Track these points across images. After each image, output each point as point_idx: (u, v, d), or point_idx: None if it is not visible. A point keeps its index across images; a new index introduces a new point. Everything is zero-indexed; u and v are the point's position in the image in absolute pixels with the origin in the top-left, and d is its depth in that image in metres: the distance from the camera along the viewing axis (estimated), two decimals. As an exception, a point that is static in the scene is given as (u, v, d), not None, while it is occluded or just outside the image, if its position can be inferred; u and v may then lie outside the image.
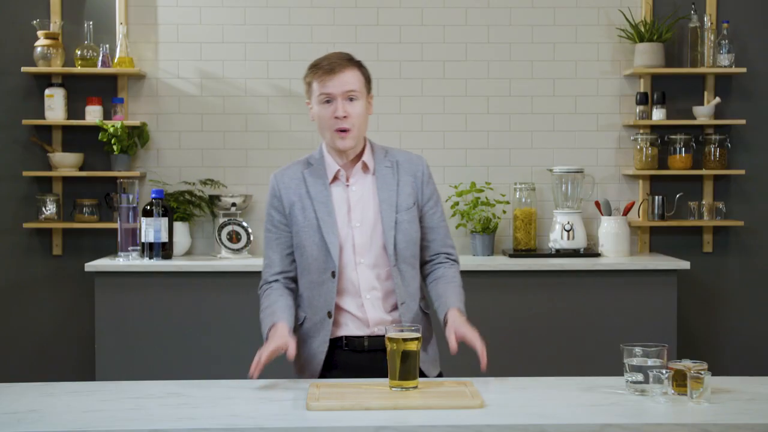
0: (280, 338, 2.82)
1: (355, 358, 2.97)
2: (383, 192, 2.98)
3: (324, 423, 2.34)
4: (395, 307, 2.99)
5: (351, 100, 2.92)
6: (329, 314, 2.96)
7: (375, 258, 2.97)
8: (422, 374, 2.94)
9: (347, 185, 3.00)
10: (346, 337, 2.98)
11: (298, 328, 3.03)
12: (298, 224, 2.98)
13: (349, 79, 2.91)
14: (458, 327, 2.87)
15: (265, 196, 5.21)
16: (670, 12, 5.26)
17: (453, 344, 2.83)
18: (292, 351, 2.80)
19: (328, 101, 2.91)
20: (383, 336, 2.73)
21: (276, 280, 3.02)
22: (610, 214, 5.17)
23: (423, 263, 3.09)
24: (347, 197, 2.99)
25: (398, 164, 3.03)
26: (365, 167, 3.00)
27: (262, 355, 2.77)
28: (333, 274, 2.94)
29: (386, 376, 2.67)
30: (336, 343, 2.98)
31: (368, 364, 2.93)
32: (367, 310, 2.96)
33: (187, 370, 4.67)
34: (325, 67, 2.91)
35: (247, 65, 5.26)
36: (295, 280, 3.04)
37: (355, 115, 2.92)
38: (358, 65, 2.98)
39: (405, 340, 2.63)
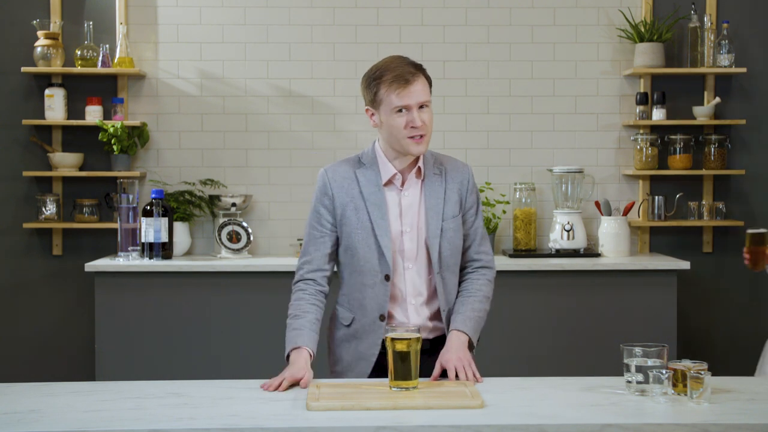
0: (298, 370, 2.77)
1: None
2: (431, 199, 2.98)
3: (324, 423, 2.34)
4: (437, 314, 2.99)
5: (422, 107, 2.91)
6: (381, 317, 2.95)
7: (421, 264, 2.97)
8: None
9: (401, 189, 2.99)
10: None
11: (344, 329, 3.01)
12: (351, 225, 2.96)
13: (421, 89, 2.91)
14: (444, 353, 2.86)
15: (265, 196, 5.28)
16: (670, 12, 5.26)
17: (434, 373, 2.83)
18: (304, 383, 2.74)
19: (400, 111, 2.90)
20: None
21: (312, 279, 2.99)
22: (610, 214, 5.17)
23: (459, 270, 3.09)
24: (399, 201, 2.98)
25: (446, 172, 3.03)
26: (419, 173, 3.00)
27: (284, 383, 2.72)
28: (387, 278, 2.94)
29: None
30: None
31: None
32: (410, 316, 2.96)
33: (186, 370, 4.67)
34: (399, 79, 2.88)
35: (247, 65, 5.26)
36: (329, 278, 3.03)
37: (428, 123, 2.92)
38: (423, 71, 2.96)
39: (404, 340, 2.63)
